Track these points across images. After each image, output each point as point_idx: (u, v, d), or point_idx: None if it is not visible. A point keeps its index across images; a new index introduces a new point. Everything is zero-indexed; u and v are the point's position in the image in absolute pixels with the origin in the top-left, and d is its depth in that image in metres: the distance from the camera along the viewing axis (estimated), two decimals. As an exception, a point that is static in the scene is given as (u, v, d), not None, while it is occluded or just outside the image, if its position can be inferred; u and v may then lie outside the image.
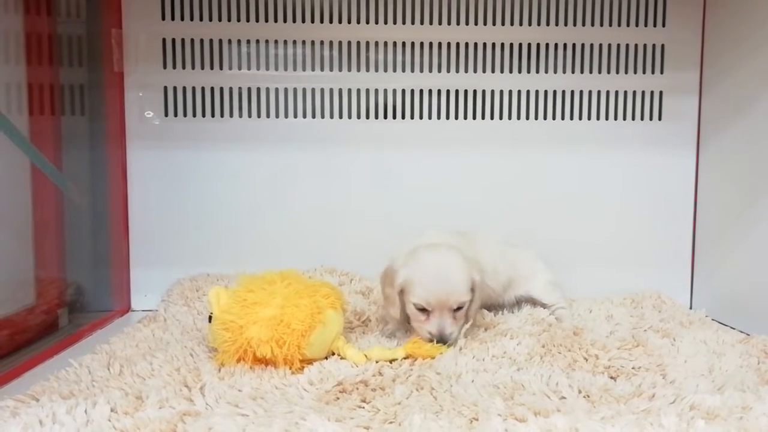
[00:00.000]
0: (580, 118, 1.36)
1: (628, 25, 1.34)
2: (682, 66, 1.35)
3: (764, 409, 0.71)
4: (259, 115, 1.35)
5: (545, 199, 1.38)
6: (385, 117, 1.36)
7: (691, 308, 1.33)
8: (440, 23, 1.34)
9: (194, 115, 1.34)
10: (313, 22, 1.33)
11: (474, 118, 1.36)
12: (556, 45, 1.35)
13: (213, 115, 1.34)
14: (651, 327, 1.09)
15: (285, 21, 1.33)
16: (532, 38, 1.35)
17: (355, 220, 1.37)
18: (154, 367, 0.87)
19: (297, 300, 0.89)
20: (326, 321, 0.90)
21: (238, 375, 0.84)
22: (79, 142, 1.27)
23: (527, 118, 1.36)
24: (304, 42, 1.33)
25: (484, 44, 1.35)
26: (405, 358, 0.91)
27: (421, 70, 1.35)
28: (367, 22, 1.33)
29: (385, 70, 1.35)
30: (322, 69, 1.34)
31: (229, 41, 1.33)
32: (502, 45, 1.35)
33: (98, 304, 1.29)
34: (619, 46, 1.35)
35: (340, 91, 1.35)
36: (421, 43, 1.34)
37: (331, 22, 1.33)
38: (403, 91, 1.35)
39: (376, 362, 0.89)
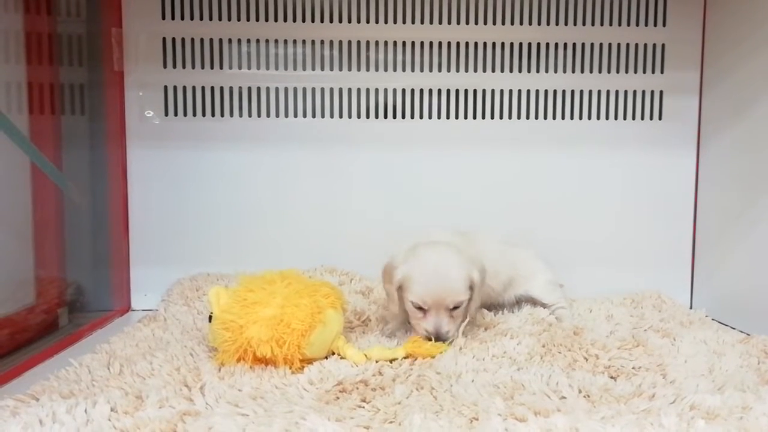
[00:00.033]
0: (580, 118, 1.36)
1: (628, 24, 1.34)
2: (683, 66, 1.35)
3: (764, 409, 0.71)
4: (259, 115, 1.35)
5: (545, 199, 1.38)
6: (386, 116, 1.36)
7: (691, 308, 1.33)
8: (440, 23, 1.34)
9: (194, 114, 1.34)
10: (313, 21, 1.33)
11: (474, 117, 1.36)
12: (556, 45, 1.35)
13: (213, 115, 1.34)
14: (651, 327, 1.09)
15: (285, 20, 1.32)
16: (532, 38, 1.35)
17: (355, 219, 1.37)
18: (154, 366, 0.87)
19: (297, 300, 0.89)
20: (326, 321, 0.90)
21: (238, 375, 0.83)
22: (79, 142, 1.27)
23: (527, 117, 1.36)
24: (304, 41, 1.33)
25: (484, 44, 1.34)
26: (405, 358, 0.91)
27: (422, 70, 1.35)
28: (368, 22, 1.33)
29: (386, 69, 1.35)
30: (322, 68, 1.34)
31: (230, 41, 1.33)
32: (502, 45, 1.35)
33: (98, 304, 1.29)
34: (619, 45, 1.35)
35: (341, 90, 1.35)
36: (422, 43, 1.34)
37: (331, 21, 1.33)
38: (404, 90, 1.35)
39: (376, 362, 0.89)
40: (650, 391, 0.78)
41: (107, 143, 1.29)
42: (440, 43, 1.34)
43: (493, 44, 1.35)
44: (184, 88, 1.33)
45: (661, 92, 1.36)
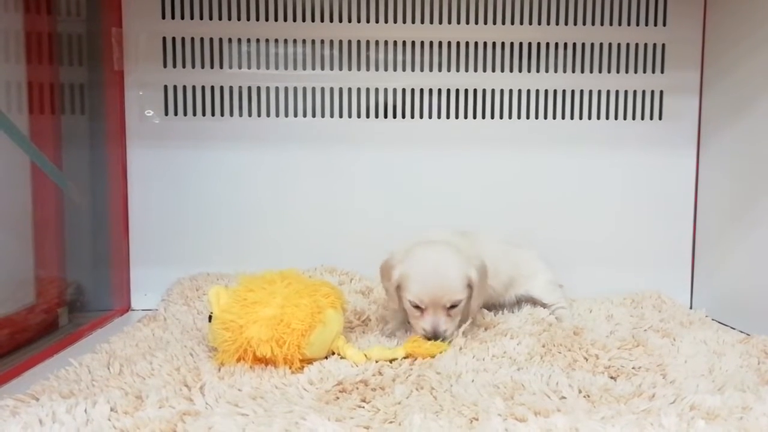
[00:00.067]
0: (581, 118, 1.36)
1: (628, 24, 1.34)
2: (683, 65, 1.35)
3: (764, 409, 0.71)
4: (259, 114, 1.34)
5: (545, 199, 1.38)
6: (386, 116, 1.36)
7: (691, 308, 1.33)
8: (440, 23, 1.34)
9: (194, 114, 1.34)
10: (313, 21, 1.33)
11: (474, 117, 1.36)
12: (556, 45, 1.35)
13: (213, 114, 1.34)
14: (651, 327, 1.09)
15: (285, 20, 1.32)
16: (532, 38, 1.34)
17: (355, 219, 1.37)
18: (153, 366, 0.87)
19: (297, 299, 0.89)
20: (326, 320, 0.90)
21: (238, 374, 0.83)
22: (79, 141, 1.27)
23: (527, 117, 1.36)
24: (304, 41, 1.33)
25: (485, 43, 1.34)
26: (405, 358, 0.91)
27: (422, 70, 1.35)
28: (368, 21, 1.33)
29: (386, 69, 1.35)
30: (322, 68, 1.34)
31: (230, 40, 1.33)
32: (503, 44, 1.35)
33: (98, 304, 1.29)
34: (619, 45, 1.35)
35: (341, 90, 1.35)
36: (422, 42, 1.34)
37: (331, 21, 1.33)
38: (404, 90, 1.35)
39: (376, 362, 0.89)
40: (650, 391, 0.78)
41: (107, 143, 1.29)
42: (440, 43, 1.34)
43: (493, 44, 1.35)
44: (184, 87, 1.33)
45: (662, 92, 1.36)
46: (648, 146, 1.37)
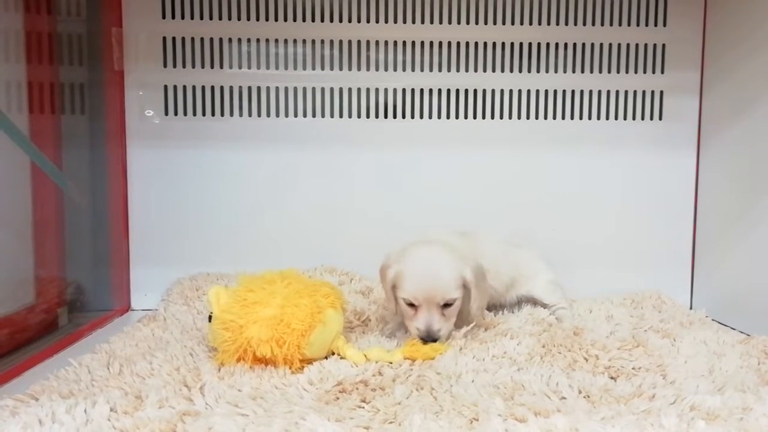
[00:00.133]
0: (581, 118, 1.36)
1: (628, 24, 1.34)
2: (683, 66, 1.35)
3: (764, 409, 0.71)
4: (259, 114, 1.34)
5: (545, 199, 1.38)
6: (386, 116, 1.36)
7: (691, 308, 1.33)
8: (440, 23, 1.34)
9: (194, 114, 1.34)
10: (313, 21, 1.33)
11: (474, 117, 1.36)
12: (556, 45, 1.35)
13: (213, 114, 1.34)
14: (651, 327, 1.09)
15: (285, 20, 1.32)
16: (532, 38, 1.34)
17: (355, 219, 1.37)
18: (153, 366, 0.87)
19: (297, 300, 0.89)
20: (326, 321, 0.90)
21: (238, 375, 0.83)
22: (79, 141, 1.27)
23: (527, 117, 1.36)
24: (304, 41, 1.33)
25: (485, 44, 1.34)
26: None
27: (422, 70, 1.35)
28: (368, 21, 1.33)
29: (386, 69, 1.35)
30: (322, 68, 1.34)
31: (230, 40, 1.33)
32: (503, 44, 1.35)
33: (98, 304, 1.29)
34: (619, 45, 1.35)
35: (341, 90, 1.35)
36: (422, 43, 1.34)
37: (331, 21, 1.33)
38: (404, 90, 1.35)
39: (376, 362, 0.89)
40: (650, 391, 0.78)
41: (107, 143, 1.29)
42: (440, 43, 1.34)
43: (493, 44, 1.34)
44: (184, 87, 1.33)
45: (662, 92, 1.36)
46: (648, 146, 1.37)
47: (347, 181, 1.37)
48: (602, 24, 1.34)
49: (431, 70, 1.35)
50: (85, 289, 1.28)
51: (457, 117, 1.36)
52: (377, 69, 1.35)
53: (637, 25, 1.34)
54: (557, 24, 1.34)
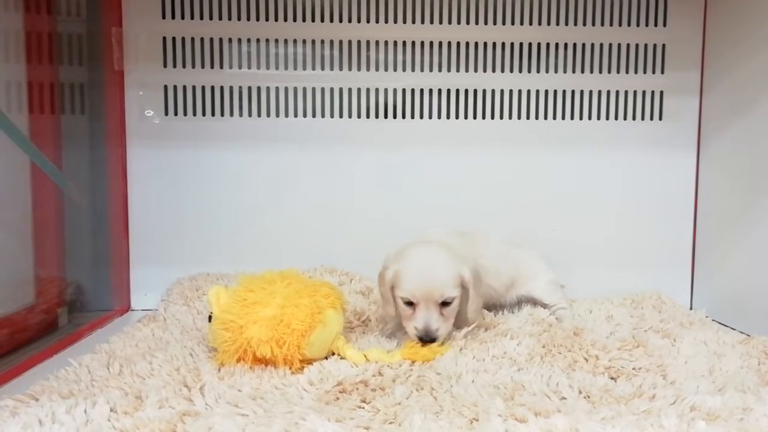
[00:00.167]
0: (581, 118, 1.36)
1: (629, 24, 1.34)
2: (683, 66, 1.35)
3: (765, 410, 0.71)
4: (259, 114, 1.34)
5: (545, 199, 1.38)
6: (386, 116, 1.36)
7: (691, 309, 1.33)
8: (440, 23, 1.34)
9: (194, 114, 1.34)
10: (313, 21, 1.33)
11: (474, 117, 1.36)
12: (556, 45, 1.35)
13: (213, 114, 1.34)
14: (651, 327, 1.09)
15: (285, 20, 1.32)
16: (532, 38, 1.34)
17: (355, 219, 1.37)
18: (153, 366, 0.87)
19: (297, 300, 0.89)
20: (326, 321, 0.90)
21: (238, 375, 0.83)
22: (79, 141, 1.27)
23: (527, 117, 1.36)
24: (304, 41, 1.33)
25: (485, 44, 1.34)
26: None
27: (422, 70, 1.35)
28: (368, 21, 1.33)
29: (386, 69, 1.35)
30: (322, 68, 1.34)
31: (230, 40, 1.33)
32: (503, 45, 1.35)
33: (98, 304, 1.29)
34: (619, 45, 1.35)
35: (341, 90, 1.35)
36: (422, 43, 1.34)
37: (331, 21, 1.33)
38: (404, 90, 1.35)
39: (376, 363, 0.89)
40: (650, 391, 0.78)
41: (107, 143, 1.29)
42: (440, 43, 1.34)
43: (494, 44, 1.34)
44: (184, 87, 1.33)
45: (662, 92, 1.36)
46: (648, 146, 1.37)
47: (347, 181, 1.37)
48: (602, 24, 1.34)
49: (431, 70, 1.35)
50: (85, 289, 1.28)
51: (457, 117, 1.36)
52: (377, 69, 1.35)
53: (637, 25, 1.34)
54: (557, 24, 1.34)
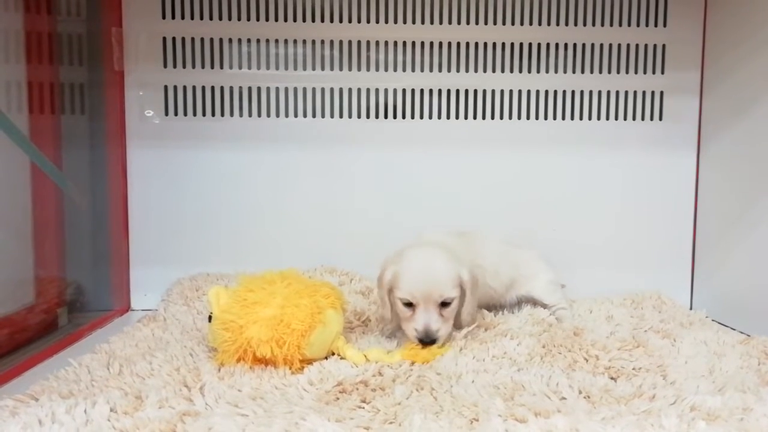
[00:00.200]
0: (581, 118, 1.36)
1: (629, 25, 1.34)
2: (683, 66, 1.35)
3: (765, 410, 0.71)
4: (259, 115, 1.34)
5: (545, 199, 1.38)
6: (386, 116, 1.36)
7: (691, 309, 1.33)
8: (440, 23, 1.34)
9: (194, 114, 1.34)
10: (313, 21, 1.33)
11: (474, 117, 1.36)
12: (556, 45, 1.35)
13: (213, 114, 1.34)
14: (651, 327, 1.09)
15: (286, 20, 1.32)
16: (532, 38, 1.34)
17: (355, 219, 1.37)
18: (153, 366, 0.87)
19: (297, 300, 0.89)
20: (326, 321, 0.90)
21: (238, 375, 0.83)
22: (79, 141, 1.27)
23: (527, 118, 1.36)
24: (304, 41, 1.33)
25: (485, 44, 1.34)
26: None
27: (422, 70, 1.35)
28: (368, 22, 1.33)
29: (386, 69, 1.35)
30: (322, 68, 1.34)
31: (230, 40, 1.33)
32: (503, 45, 1.35)
33: (98, 304, 1.29)
34: (619, 46, 1.35)
35: (341, 90, 1.35)
36: (422, 43, 1.34)
37: (331, 21, 1.33)
38: (404, 90, 1.35)
39: (376, 363, 0.89)
40: (651, 392, 0.78)
41: (107, 143, 1.29)
42: (440, 43, 1.34)
43: (494, 44, 1.34)
44: (184, 87, 1.33)
45: (662, 93, 1.36)
46: (648, 147, 1.37)
47: (347, 181, 1.37)
48: (602, 24, 1.34)
49: (431, 70, 1.35)
50: (85, 289, 1.28)
51: (457, 117, 1.36)
52: (377, 69, 1.35)
53: (637, 25, 1.34)
54: (557, 24, 1.34)
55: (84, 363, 0.88)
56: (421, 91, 1.35)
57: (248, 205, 1.36)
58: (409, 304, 0.95)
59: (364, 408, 0.74)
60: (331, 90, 1.34)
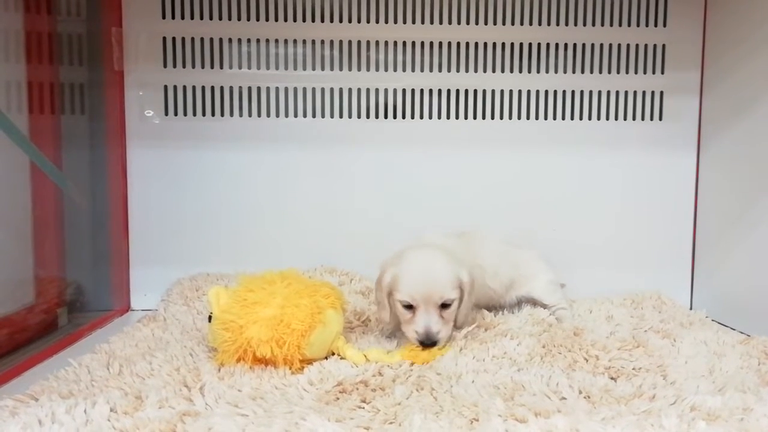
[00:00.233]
0: (581, 118, 1.36)
1: (629, 25, 1.34)
2: (683, 66, 1.35)
3: (765, 410, 0.71)
4: (259, 115, 1.34)
5: (545, 199, 1.38)
6: (386, 116, 1.36)
7: (691, 309, 1.33)
8: (440, 23, 1.34)
9: (194, 114, 1.34)
10: (313, 21, 1.33)
11: (474, 117, 1.36)
12: (556, 45, 1.35)
13: (213, 114, 1.34)
14: (651, 327, 1.09)
15: (285, 20, 1.32)
16: (532, 38, 1.34)
17: (355, 219, 1.37)
18: (153, 366, 0.87)
19: (297, 300, 0.89)
20: (326, 321, 0.90)
21: (238, 375, 0.83)
22: (79, 141, 1.27)
23: (527, 118, 1.36)
24: (304, 41, 1.33)
25: (485, 44, 1.34)
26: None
27: (422, 70, 1.35)
28: (368, 22, 1.33)
29: (386, 69, 1.35)
30: (322, 68, 1.34)
31: (230, 40, 1.33)
32: (503, 45, 1.35)
33: (98, 304, 1.29)
34: (619, 46, 1.35)
35: (341, 90, 1.35)
36: (422, 43, 1.34)
37: (331, 21, 1.33)
38: (404, 90, 1.35)
39: (375, 363, 0.89)
40: (651, 392, 0.78)
41: (107, 143, 1.29)
42: (440, 43, 1.34)
43: (494, 44, 1.34)
44: (184, 87, 1.33)
45: (662, 93, 1.36)
46: (648, 147, 1.37)
47: (347, 181, 1.37)
48: (602, 24, 1.34)
49: (431, 70, 1.35)
50: (85, 289, 1.28)
51: (457, 117, 1.36)
52: (377, 69, 1.35)
53: (637, 25, 1.34)
54: (557, 24, 1.34)
55: (84, 363, 0.88)
56: (421, 91, 1.35)
57: (248, 205, 1.36)
58: (409, 307, 0.95)
59: (364, 408, 0.74)
60: (331, 90, 1.34)
